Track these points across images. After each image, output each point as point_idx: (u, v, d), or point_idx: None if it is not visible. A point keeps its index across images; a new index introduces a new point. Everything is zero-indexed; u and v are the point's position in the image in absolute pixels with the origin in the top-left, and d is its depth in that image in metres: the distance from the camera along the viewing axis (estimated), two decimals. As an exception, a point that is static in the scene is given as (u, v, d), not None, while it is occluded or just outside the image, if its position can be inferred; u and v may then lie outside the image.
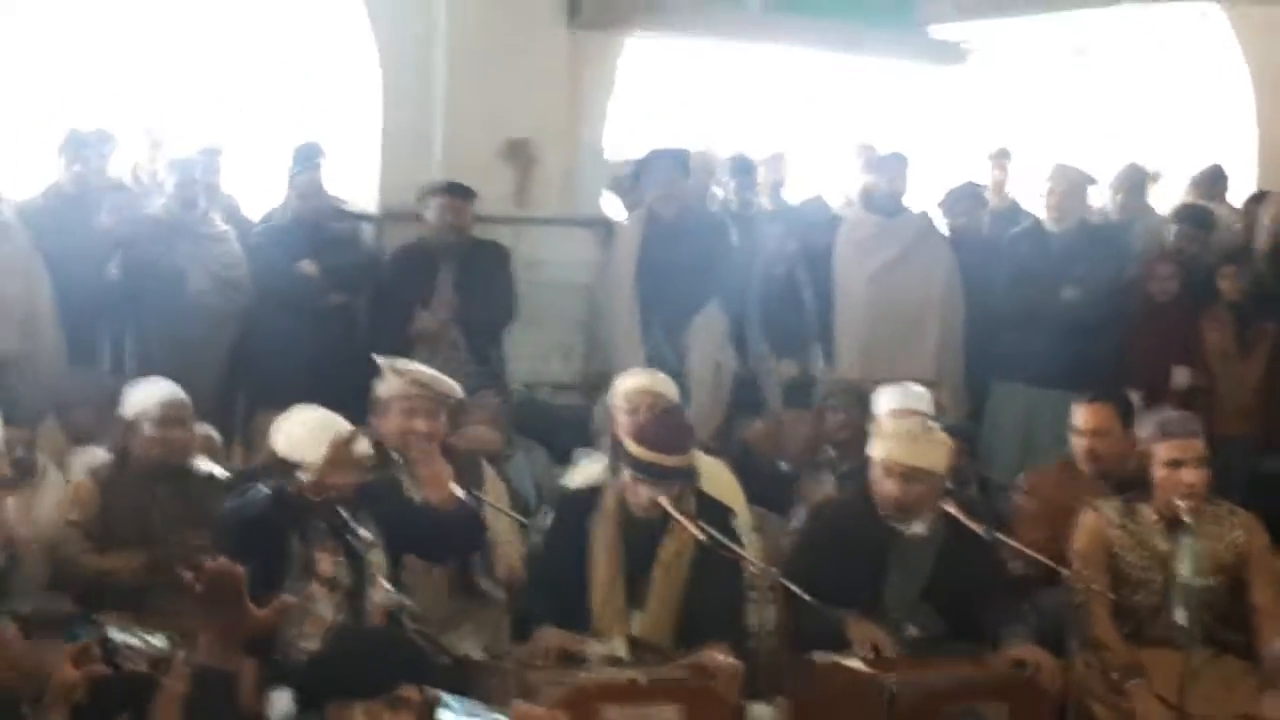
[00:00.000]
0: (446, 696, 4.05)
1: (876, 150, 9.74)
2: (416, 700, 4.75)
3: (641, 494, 5.85)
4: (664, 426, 6.07)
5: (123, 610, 5.17)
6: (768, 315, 8.77)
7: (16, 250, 7.76)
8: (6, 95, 9.77)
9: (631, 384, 6.88)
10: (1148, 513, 6.22)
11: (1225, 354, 8.73)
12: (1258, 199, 9.35)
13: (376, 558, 5.55)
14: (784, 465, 7.83)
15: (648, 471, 5.84)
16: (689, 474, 5.96)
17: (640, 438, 5.95)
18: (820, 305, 8.82)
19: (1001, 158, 10.55)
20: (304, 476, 5.42)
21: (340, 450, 5.42)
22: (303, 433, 5.54)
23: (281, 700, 4.73)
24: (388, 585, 5.42)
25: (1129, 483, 6.38)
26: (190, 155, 8.60)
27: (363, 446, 5.59)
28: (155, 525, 6.14)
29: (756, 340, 8.77)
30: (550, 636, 5.80)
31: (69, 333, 7.89)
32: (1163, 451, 6.18)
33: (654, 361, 7.86)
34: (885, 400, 7.39)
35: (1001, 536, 6.22)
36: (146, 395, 6.36)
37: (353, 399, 6.22)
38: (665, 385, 6.87)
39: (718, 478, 6.54)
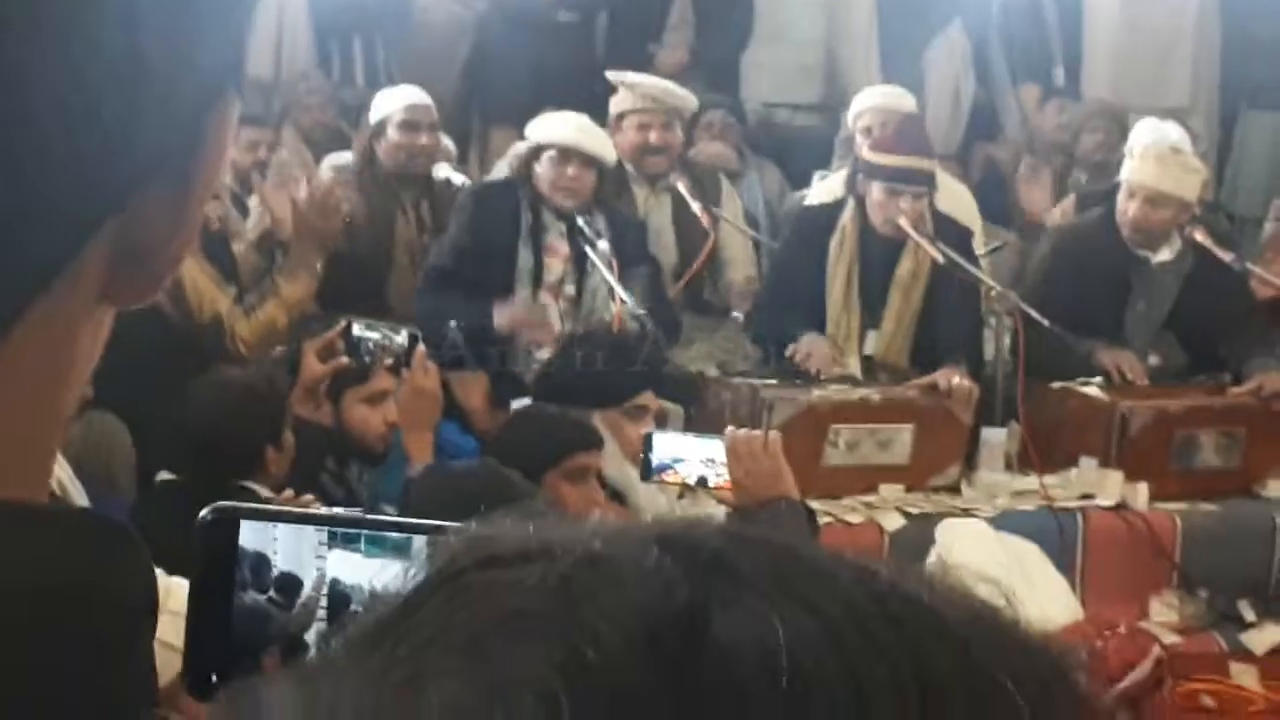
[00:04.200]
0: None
1: None
2: (654, 408, 4.77)
3: (881, 210, 5.70)
4: (902, 130, 5.95)
5: (364, 308, 5.19)
6: (1010, 36, 8.51)
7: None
8: None
9: (869, 99, 6.72)
10: None
11: None
12: None
13: (610, 266, 5.54)
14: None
15: (886, 176, 5.68)
16: (927, 179, 5.78)
17: (878, 144, 5.83)
18: (1067, 26, 8.52)
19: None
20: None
21: None
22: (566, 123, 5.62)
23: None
24: (624, 295, 5.40)
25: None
26: None
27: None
28: (399, 230, 6.09)
29: (997, 63, 8.53)
30: (817, 344, 5.74)
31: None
32: None
33: (892, 81, 7.67)
34: (1142, 127, 7.13)
35: (1252, 266, 6.04)
36: (392, 99, 6.24)
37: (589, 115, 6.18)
38: (904, 99, 6.71)
39: (958, 198, 6.38)
